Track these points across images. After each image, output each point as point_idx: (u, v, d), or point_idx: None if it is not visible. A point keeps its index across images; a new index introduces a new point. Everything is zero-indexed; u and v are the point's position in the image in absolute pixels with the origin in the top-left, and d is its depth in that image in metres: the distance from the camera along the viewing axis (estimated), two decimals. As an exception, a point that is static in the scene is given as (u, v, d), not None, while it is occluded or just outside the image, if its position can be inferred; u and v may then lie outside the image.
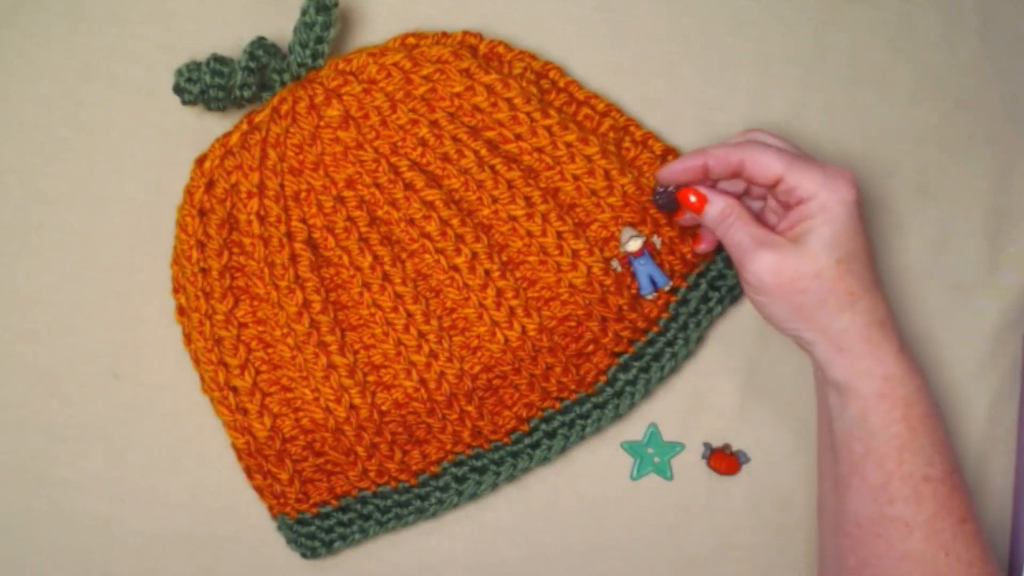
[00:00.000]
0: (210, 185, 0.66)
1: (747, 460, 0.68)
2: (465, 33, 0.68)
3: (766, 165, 0.59)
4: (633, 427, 0.69)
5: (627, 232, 0.66)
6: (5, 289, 0.69)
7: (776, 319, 0.61)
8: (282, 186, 0.66)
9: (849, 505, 0.60)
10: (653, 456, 0.68)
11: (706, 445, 0.68)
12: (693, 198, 0.62)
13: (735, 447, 0.69)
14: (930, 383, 0.69)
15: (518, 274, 0.66)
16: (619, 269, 0.66)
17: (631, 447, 0.68)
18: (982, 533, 0.60)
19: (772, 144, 0.61)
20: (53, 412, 0.68)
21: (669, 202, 0.64)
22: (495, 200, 0.66)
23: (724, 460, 0.67)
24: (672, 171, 0.63)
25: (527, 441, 0.66)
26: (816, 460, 0.65)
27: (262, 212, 0.65)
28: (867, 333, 0.59)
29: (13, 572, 0.68)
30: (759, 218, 0.63)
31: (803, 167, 0.59)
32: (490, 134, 0.66)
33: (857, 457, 0.59)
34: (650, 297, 0.67)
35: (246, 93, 0.66)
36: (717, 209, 0.61)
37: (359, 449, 0.65)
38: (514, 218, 0.65)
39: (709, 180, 0.63)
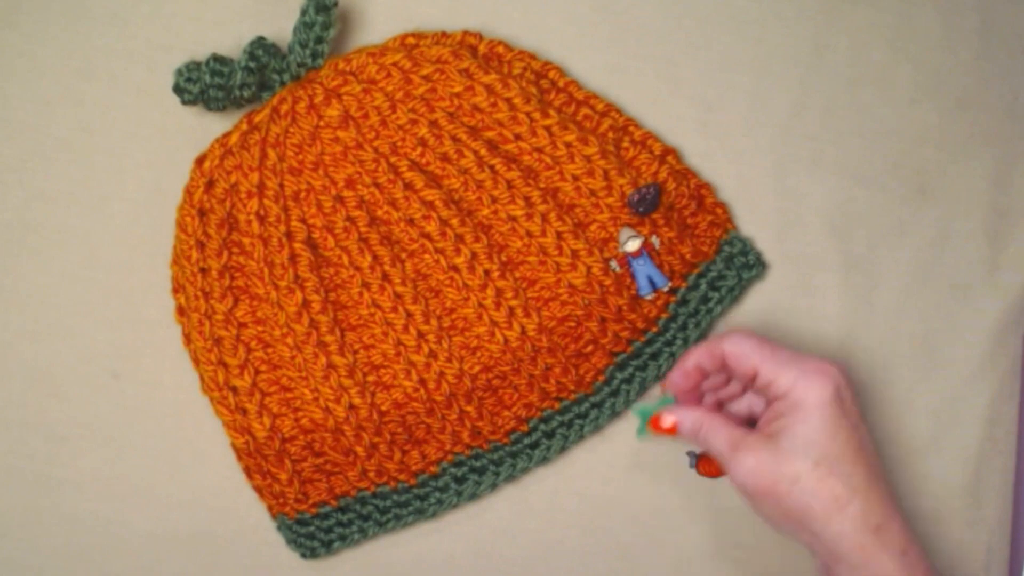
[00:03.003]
0: (210, 185, 0.66)
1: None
2: (465, 33, 0.68)
3: (743, 357, 0.58)
4: (633, 425, 0.68)
5: (626, 232, 0.66)
6: (5, 289, 0.69)
7: (770, 523, 0.58)
8: (282, 186, 0.66)
9: None
10: (652, 411, 0.63)
11: (690, 454, 0.68)
12: (666, 423, 0.60)
13: None
14: (930, 383, 0.69)
15: (517, 274, 0.66)
16: (618, 270, 0.66)
17: (642, 411, 0.63)
18: None
19: (750, 339, 0.59)
20: (53, 412, 0.68)
21: (649, 205, 0.64)
22: (495, 200, 0.66)
23: (712, 463, 0.67)
24: (674, 382, 0.61)
25: (526, 441, 0.66)
26: None
27: (262, 212, 0.65)
28: (860, 541, 0.55)
29: (13, 572, 0.68)
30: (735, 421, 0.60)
31: (779, 361, 0.57)
32: (490, 134, 0.66)
33: None
34: (649, 298, 0.67)
35: (246, 93, 0.66)
36: (687, 426, 0.59)
37: (358, 449, 0.65)
38: (514, 218, 0.65)
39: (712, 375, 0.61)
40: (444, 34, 0.68)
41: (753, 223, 0.70)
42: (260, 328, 0.66)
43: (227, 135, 0.66)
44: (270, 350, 0.66)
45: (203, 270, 0.65)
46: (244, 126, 0.66)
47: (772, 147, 0.71)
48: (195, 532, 0.68)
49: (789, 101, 0.71)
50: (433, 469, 0.66)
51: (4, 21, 0.70)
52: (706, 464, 0.67)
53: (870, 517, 0.55)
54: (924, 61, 0.72)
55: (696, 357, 0.60)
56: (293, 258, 0.65)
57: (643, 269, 0.66)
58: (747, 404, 0.62)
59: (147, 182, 0.69)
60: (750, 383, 0.59)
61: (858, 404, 0.58)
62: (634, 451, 0.69)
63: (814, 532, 0.56)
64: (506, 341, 0.65)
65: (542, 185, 0.66)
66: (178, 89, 0.65)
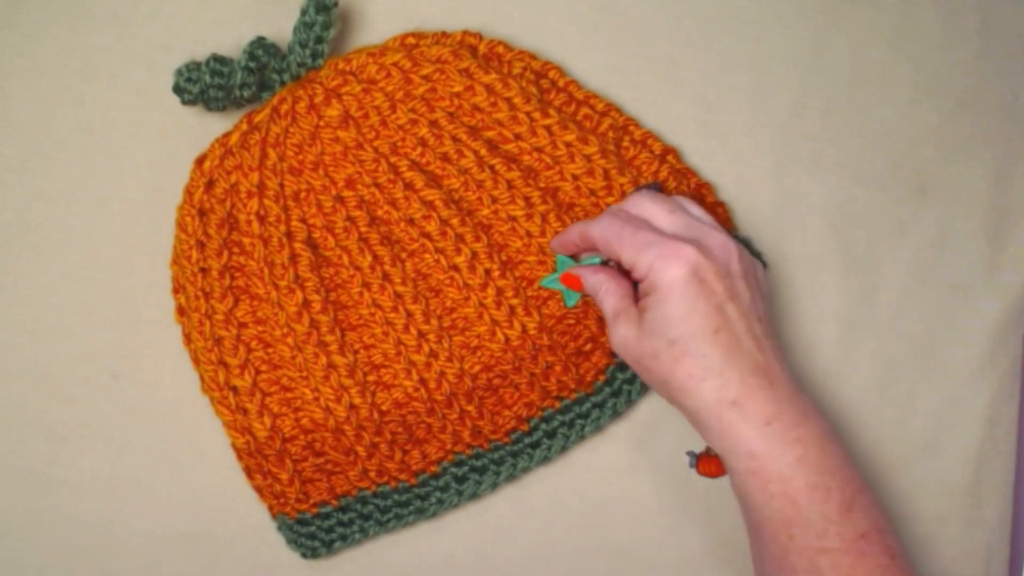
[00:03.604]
0: (210, 185, 0.66)
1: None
2: (465, 33, 0.68)
3: (608, 243, 0.59)
4: (633, 426, 0.69)
5: (627, 232, 0.66)
6: (5, 289, 0.69)
7: (650, 387, 0.61)
8: (282, 186, 0.66)
9: (764, 571, 0.59)
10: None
11: (690, 454, 0.68)
12: (574, 274, 0.63)
13: None
14: (930, 383, 0.69)
15: (518, 273, 0.66)
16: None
17: (549, 282, 0.65)
18: None
19: (643, 212, 0.60)
20: (53, 412, 0.68)
21: None
22: (495, 200, 0.66)
23: (712, 463, 0.67)
24: (554, 244, 0.64)
25: (527, 441, 0.66)
26: None
27: (262, 212, 0.65)
28: (717, 414, 0.56)
29: (13, 572, 0.68)
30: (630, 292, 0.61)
31: (636, 246, 0.58)
32: (490, 134, 0.66)
33: (754, 526, 0.58)
34: (650, 297, 0.67)
35: (246, 93, 0.66)
36: (589, 283, 0.62)
37: (359, 449, 0.65)
38: (514, 218, 0.66)
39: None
40: (444, 34, 0.68)
41: (753, 223, 0.70)
42: (260, 328, 0.66)
43: (227, 135, 0.66)
44: (270, 350, 0.66)
45: (203, 270, 0.65)
46: (244, 126, 0.66)
47: (772, 147, 0.71)
48: (195, 532, 0.68)
49: (789, 101, 0.71)
50: (434, 469, 0.66)
51: (4, 21, 0.70)
52: (706, 464, 0.67)
53: (726, 392, 0.56)
54: (924, 61, 0.72)
55: (571, 237, 0.62)
56: (293, 258, 0.65)
57: (643, 269, 0.66)
58: None
59: (147, 182, 0.69)
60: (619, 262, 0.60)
61: (735, 282, 0.58)
62: (634, 452, 0.69)
63: (675, 403, 0.58)
64: (507, 340, 0.65)
65: (542, 185, 0.66)
66: (178, 89, 0.65)
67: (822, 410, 0.59)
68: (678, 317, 0.57)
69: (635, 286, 0.61)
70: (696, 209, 0.61)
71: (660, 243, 0.57)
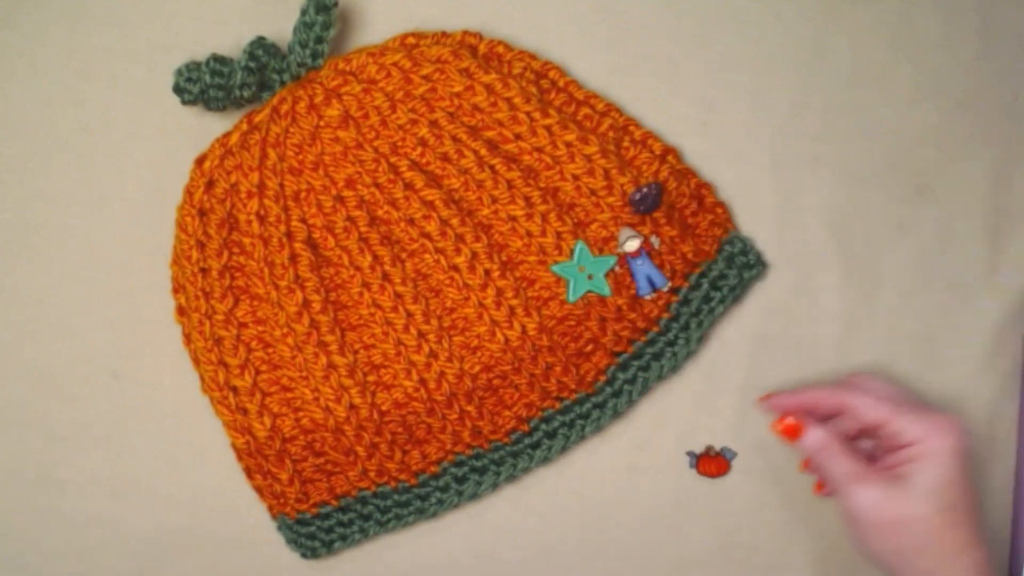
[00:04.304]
0: (210, 185, 0.66)
1: (734, 455, 0.68)
2: (465, 33, 0.68)
3: (869, 409, 0.60)
4: (633, 426, 0.69)
5: (625, 232, 0.66)
6: (5, 289, 0.69)
7: (873, 554, 0.60)
8: (282, 186, 0.66)
9: None
10: (587, 274, 0.66)
11: (690, 454, 0.68)
12: (791, 420, 0.63)
13: (719, 447, 0.68)
14: (930, 383, 0.69)
15: (518, 274, 0.66)
16: (617, 270, 0.66)
17: (562, 268, 0.65)
18: None
19: (875, 389, 0.62)
20: (53, 412, 0.68)
21: (650, 204, 0.64)
22: (495, 200, 0.66)
23: (712, 463, 0.67)
24: (775, 403, 0.64)
25: (527, 441, 0.66)
26: None
27: (262, 212, 0.65)
28: None
29: (13, 572, 0.68)
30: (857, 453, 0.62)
31: (907, 413, 0.60)
32: (490, 134, 0.66)
33: None
34: (649, 298, 0.67)
35: (246, 93, 0.66)
36: (812, 441, 0.62)
37: (359, 449, 0.65)
38: (514, 218, 0.65)
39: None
40: (444, 34, 0.68)
41: (753, 223, 0.70)
42: (260, 328, 0.66)
43: (227, 135, 0.66)
44: (270, 350, 0.66)
45: (203, 270, 0.65)
46: (244, 126, 0.66)
47: (772, 147, 0.71)
48: (195, 532, 0.68)
49: (789, 101, 0.71)
50: (434, 469, 0.66)
51: (4, 21, 0.70)
52: (706, 464, 0.67)
53: (983, 566, 0.58)
54: (924, 61, 0.72)
55: (814, 398, 0.63)
56: (293, 258, 0.65)
57: (642, 269, 0.66)
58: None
59: (147, 182, 0.69)
60: (873, 431, 0.62)
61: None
62: (634, 452, 0.69)
63: (923, 571, 0.58)
64: (507, 340, 0.65)
65: (542, 185, 0.66)
66: (178, 89, 0.65)
67: None
68: (954, 485, 0.58)
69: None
70: None
71: (932, 413, 0.60)
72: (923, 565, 0.58)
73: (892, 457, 0.60)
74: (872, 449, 0.63)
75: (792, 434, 0.62)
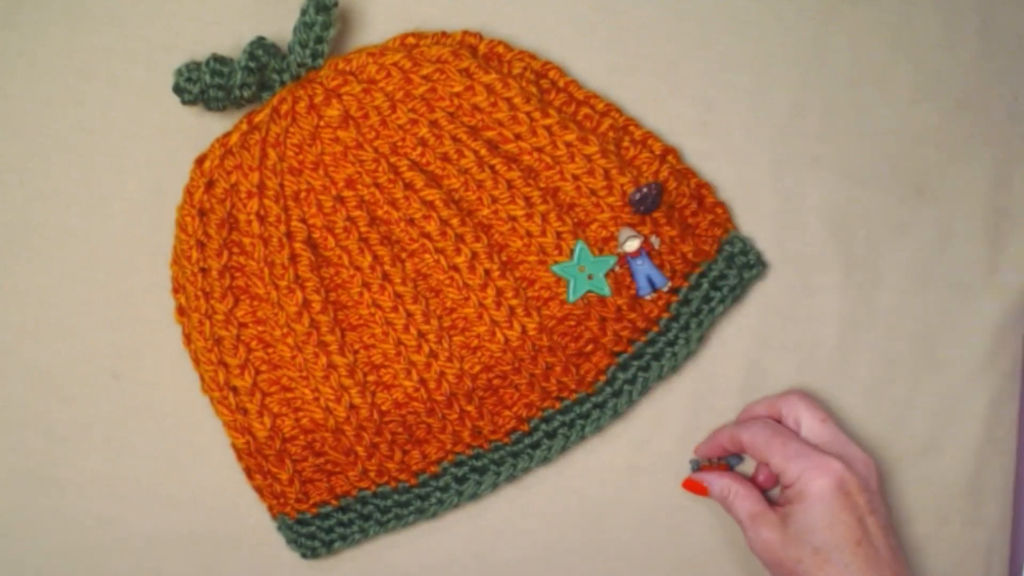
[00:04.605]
0: (210, 185, 0.66)
1: (739, 462, 0.68)
2: (465, 33, 0.68)
3: (756, 448, 0.63)
4: (633, 426, 0.69)
5: (625, 232, 0.66)
6: (5, 289, 0.69)
7: None
8: (282, 186, 0.66)
9: None
10: (587, 274, 0.66)
11: (694, 462, 0.68)
12: (699, 482, 0.66)
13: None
14: (930, 383, 0.69)
15: (518, 274, 0.66)
16: (617, 270, 0.66)
17: (562, 268, 0.66)
18: None
19: (797, 417, 0.64)
20: (53, 412, 0.68)
21: (650, 204, 0.64)
22: (495, 200, 0.66)
23: (715, 471, 0.67)
24: (703, 450, 0.68)
25: (527, 441, 0.66)
26: None
27: (262, 212, 0.65)
28: None
29: (13, 572, 0.68)
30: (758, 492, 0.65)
31: (787, 454, 0.62)
32: (490, 134, 0.66)
33: None
34: (649, 298, 0.67)
35: (246, 93, 0.66)
36: (717, 489, 0.65)
37: (359, 449, 0.65)
38: (514, 218, 0.65)
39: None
40: (444, 34, 0.68)
41: (753, 223, 0.70)
42: (260, 328, 0.66)
43: (227, 135, 0.66)
44: (270, 350, 0.66)
45: (203, 270, 0.65)
46: (244, 126, 0.66)
47: (772, 147, 0.71)
48: (195, 532, 0.68)
49: (789, 101, 0.71)
50: (434, 469, 0.66)
51: (4, 21, 0.70)
52: (709, 471, 0.67)
53: None
54: (924, 61, 0.72)
55: (721, 440, 0.66)
56: (293, 258, 0.65)
57: (642, 269, 0.66)
58: None
59: (147, 182, 0.69)
60: (765, 467, 0.66)
61: (873, 497, 0.62)
62: (634, 452, 0.69)
63: None
64: (506, 340, 0.65)
65: (542, 185, 0.66)
66: (178, 89, 0.65)
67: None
68: (823, 526, 0.60)
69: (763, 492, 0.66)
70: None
71: (810, 455, 0.61)
72: None
73: (782, 495, 0.63)
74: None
75: (699, 491, 0.66)
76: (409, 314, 0.65)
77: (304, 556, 0.66)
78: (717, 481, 0.65)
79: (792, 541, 0.61)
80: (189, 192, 0.66)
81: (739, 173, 0.70)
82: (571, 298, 0.65)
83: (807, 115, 0.71)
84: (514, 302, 0.65)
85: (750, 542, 0.63)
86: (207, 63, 0.65)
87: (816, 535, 0.60)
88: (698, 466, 0.68)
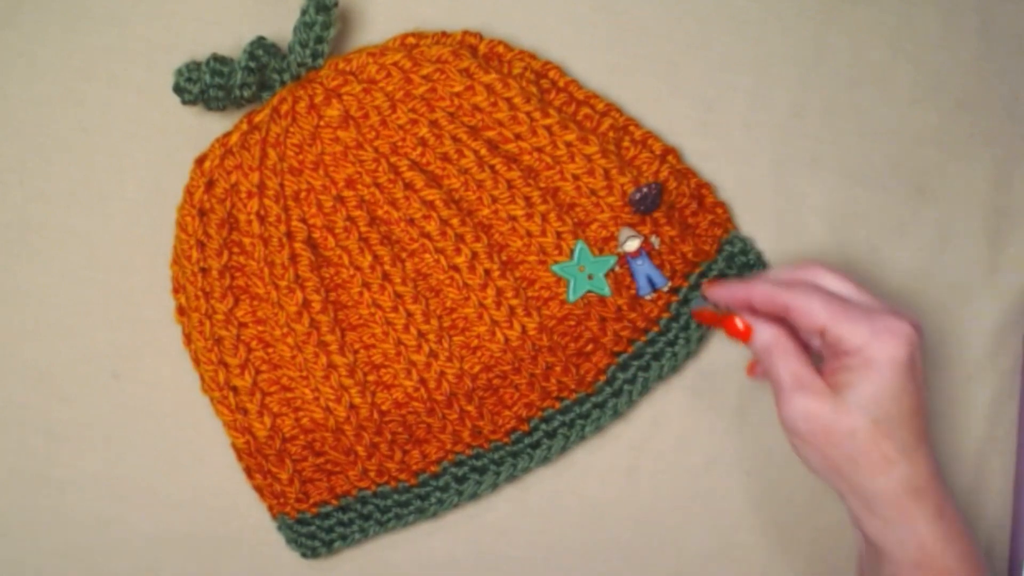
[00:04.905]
0: (210, 185, 0.66)
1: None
2: (465, 33, 0.68)
3: (810, 313, 0.56)
4: (633, 426, 0.69)
5: (625, 232, 0.66)
6: (5, 289, 0.69)
7: (807, 463, 0.58)
8: (282, 186, 0.66)
9: None
10: (587, 274, 0.66)
11: (696, 299, 0.64)
12: (740, 324, 0.58)
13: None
14: (930, 383, 0.69)
15: (518, 273, 0.66)
16: (617, 270, 0.66)
17: (562, 268, 0.65)
18: None
19: (826, 286, 0.58)
20: (53, 412, 0.68)
21: (650, 203, 0.64)
22: (495, 200, 0.66)
23: (707, 317, 0.62)
24: (716, 293, 0.61)
25: (527, 441, 0.66)
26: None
27: (262, 212, 0.65)
28: (899, 501, 0.55)
29: (13, 572, 0.68)
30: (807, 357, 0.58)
31: (850, 318, 0.55)
32: (490, 134, 0.66)
33: None
34: (649, 298, 0.67)
35: (246, 93, 0.66)
36: (762, 340, 0.57)
37: (359, 449, 0.65)
38: (514, 218, 0.66)
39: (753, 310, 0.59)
40: (444, 34, 0.68)
41: (753, 223, 0.70)
42: (261, 328, 0.66)
43: (227, 135, 0.66)
44: (271, 350, 0.66)
45: (203, 270, 0.65)
46: (244, 126, 0.66)
47: (772, 147, 0.71)
48: (195, 532, 0.68)
49: (789, 101, 0.71)
50: (434, 468, 0.66)
51: (4, 21, 0.70)
52: (705, 315, 0.64)
53: (913, 480, 0.55)
54: (924, 61, 0.72)
55: (751, 293, 0.58)
56: (293, 258, 0.65)
57: (642, 269, 0.66)
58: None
59: (147, 182, 0.69)
60: (815, 335, 0.57)
61: (922, 366, 0.56)
62: (634, 452, 0.69)
63: (853, 484, 0.56)
64: (506, 340, 0.65)
65: (542, 185, 0.66)
66: (178, 89, 0.65)
67: None
68: (891, 397, 0.54)
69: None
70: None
71: (877, 317, 0.55)
72: (852, 476, 0.55)
73: (834, 363, 0.56)
74: (820, 350, 0.59)
75: (744, 336, 0.58)
76: (409, 314, 0.65)
77: (304, 556, 0.66)
78: (767, 329, 0.57)
79: (846, 412, 0.54)
80: (189, 192, 0.66)
81: (739, 173, 0.70)
82: (571, 298, 0.65)
83: (807, 115, 0.71)
84: (514, 302, 0.65)
85: (786, 409, 0.56)
86: (207, 63, 0.65)
87: (881, 407, 0.54)
88: (699, 307, 0.63)
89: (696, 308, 0.64)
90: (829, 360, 0.57)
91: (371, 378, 0.65)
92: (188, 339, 0.66)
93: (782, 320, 0.58)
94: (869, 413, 0.54)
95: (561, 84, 0.68)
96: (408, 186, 0.66)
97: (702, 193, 0.69)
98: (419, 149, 0.66)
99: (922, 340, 0.56)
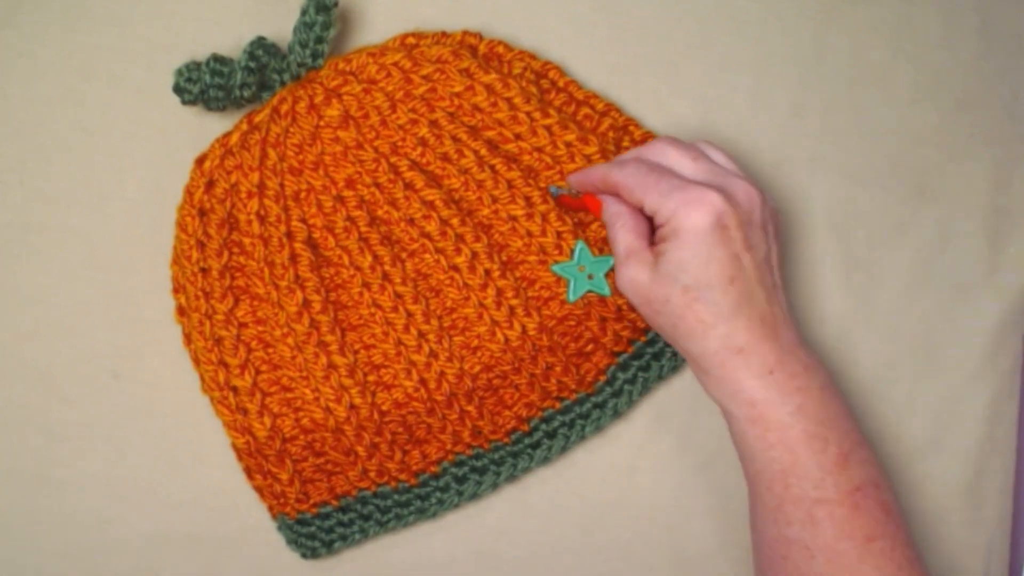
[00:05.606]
0: (210, 185, 0.66)
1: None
2: (465, 33, 0.68)
3: (629, 189, 0.59)
4: (633, 426, 0.69)
5: (627, 232, 0.66)
6: (5, 289, 0.69)
7: (655, 331, 0.62)
8: (282, 186, 0.66)
9: (757, 523, 0.60)
10: (587, 274, 0.66)
11: (554, 189, 0.66)
12: (596, 200, 0.63)
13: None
14: (930, 383, 0.69)
15: (518, 274, 0.66)
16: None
17: (562, 268, 0.66)
18: (899, 547, 0.57)
19: (665, 161, 0.60)
20: (53, 412, 0.68)
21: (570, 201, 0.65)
22: (495, 200, 0.66)
23: (571, 202, 0.65)
24: (571, 179, 0.64)
25: (527, 441, 0.66)
26: None
27: (262, 212, 0.65)
28: (722, 359, 0.57)
29: (13, 572, 0.68)
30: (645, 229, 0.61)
31: (661, 192, 0.58)
32: (490, 134, 0.66)
33: (751, 477, 0.59)
34: (650, 297, 0.67)
35: (246, 93, 0.66)
36: (607, 214, 0.61)
37: (359, 449, 0.65)
38: (514, 218, 0.66)
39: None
40: (444, 34, 0.68)
41: (753, 223, 0.70)
42: (261, 328, 0.66)
43: (227, 135, 0.66)
44: (271, 350, 0.66)
45: (203, 270, 0.65)
46: (244, 126, 0.66)
47: (772, 147, 0.71)
48: (195, 532, 0.68)
49: (789, 101, 0.71)
50: (434, 469, 0.66)
51: (4, 21, 0.70)
52: (564, 200, 0.66)
53: (733, 340, 0.57)
54: (924, 61, 0.72)
55: (593, 178, 0.62)
56: (293, 258, 0.65)
57: (643, 269, 0.66)
58: None
59: (147, 182, 0.69)
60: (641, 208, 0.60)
61: (753, 231, 0.58)
62: (634, 452, 0.69)
63: (681, 347, 0.59)
64: (507, 340, 0.65)
65: (542, 185, 0.66)
66: (178, 89, 0.65)
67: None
68: (696, 264, 0.57)
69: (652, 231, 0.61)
70: (719, 155, 0.61)
71: (686, 189, 0.57)
72: (678, 340, 0.58)
73: (657, 234, 0.59)
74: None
75: (593, 208, 0.62)
76: (409, 314, 0.65)
77: (304, 556, 0.66)
78: (614, 205, 0.61)
79: (661, 280, 0.57)
80: (189, 192, 0.66)
81: (739, 173, 0.70)
82: (571, 298, 0.65)
83: (807, 115, 0.71)
84: (514, 302, 0.65)
85: (618, 280, 0.60)
86: (207, 63, 0.65)
87: (688, 273, 0.57)
88: (558, 193, 0.66)
89: (555, 195, 0.65)
90: (656, 232, 0.60)
91: (371, 378, 0.65)
92: (188, 339, 0.66)
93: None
94: (678, 281, 0.57)
95: (561, 84, 0.68)
96: (408, 186, 0.66)
97: (702, 193, 0.69)
98: (419, 149, 0.66)
99: (742, 209, 0.58)
